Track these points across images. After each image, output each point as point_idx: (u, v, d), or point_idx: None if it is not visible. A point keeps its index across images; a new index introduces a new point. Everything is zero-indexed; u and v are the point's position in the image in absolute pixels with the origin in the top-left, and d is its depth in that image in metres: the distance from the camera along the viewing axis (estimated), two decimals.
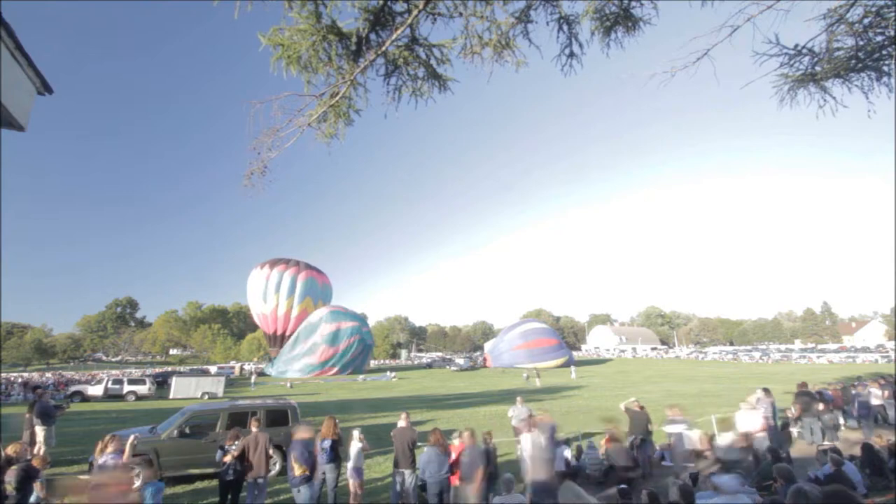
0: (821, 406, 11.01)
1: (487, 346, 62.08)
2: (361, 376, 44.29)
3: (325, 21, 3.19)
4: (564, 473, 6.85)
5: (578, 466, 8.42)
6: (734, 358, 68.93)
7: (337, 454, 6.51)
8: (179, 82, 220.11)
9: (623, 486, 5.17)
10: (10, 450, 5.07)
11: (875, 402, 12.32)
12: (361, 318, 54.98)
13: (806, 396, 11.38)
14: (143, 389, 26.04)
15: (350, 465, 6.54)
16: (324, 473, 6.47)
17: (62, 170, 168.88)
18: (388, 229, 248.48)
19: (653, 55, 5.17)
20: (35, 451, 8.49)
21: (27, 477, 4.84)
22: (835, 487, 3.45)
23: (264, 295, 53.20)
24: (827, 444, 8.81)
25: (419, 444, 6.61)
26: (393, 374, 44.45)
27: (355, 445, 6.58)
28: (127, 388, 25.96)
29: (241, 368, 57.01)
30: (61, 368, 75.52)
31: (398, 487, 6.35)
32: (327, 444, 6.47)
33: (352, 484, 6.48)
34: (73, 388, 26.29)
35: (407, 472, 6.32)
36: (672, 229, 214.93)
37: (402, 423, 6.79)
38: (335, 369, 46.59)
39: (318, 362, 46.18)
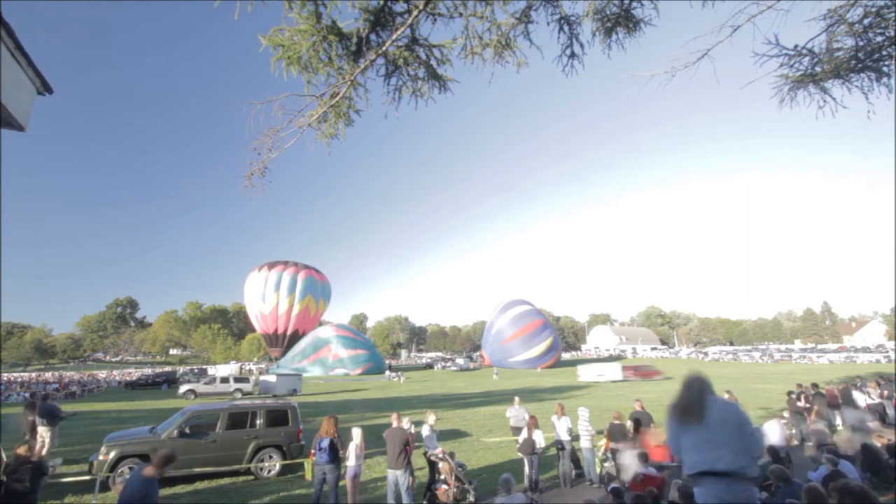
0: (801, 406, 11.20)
1: (483, 342, 62.49)
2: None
3: (326, 21, 3.18)
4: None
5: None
6: (734, 358, 68.90)
7: (336, 454, 6.51)
8: (179, 83, 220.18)
9: (615, 486, 5.17)
10: (21, 450, 5.23)
11: (861, 405, 12.53)
12: (370, 344, 56.03)
13: (792, 397, 11.55)
14: (247, 387, 28.62)
15: (349, 464, 6.53)
16: (324, 473, 6.47)
17: (62, 170, 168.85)
18: (388, 230, 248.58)
19: (653, 55, 5.18)
20: (38, 449, 8.49)
21: (39, 474, 5.09)
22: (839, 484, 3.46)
23: (263, 295, 53.45)
24: (830, 443, 8.82)
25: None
26: (395, 374, 44.54)
27: (353, 445, 6.58)
28: (234, 385, 28.38)
29: (242, 368, 57.03)
30: (61, 368, 75.50)
31: (393, 487, 6.35)
32: (326, 443, 6.47)
33: (349, 483, 6.47)
34: (185, 388, 27.64)
35: (399, 472, 6.32)
36: (672, 229, 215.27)
37: (394, 424, 6.79)
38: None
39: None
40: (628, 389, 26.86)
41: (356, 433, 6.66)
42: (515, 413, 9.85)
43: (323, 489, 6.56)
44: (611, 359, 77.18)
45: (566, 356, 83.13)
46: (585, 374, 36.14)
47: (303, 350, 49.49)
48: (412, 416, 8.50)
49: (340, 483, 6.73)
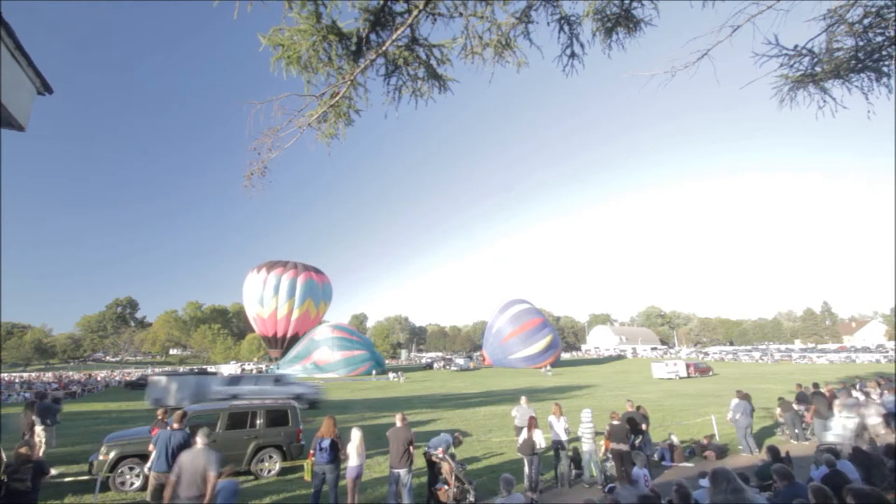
0: (796, 406, 11.23)
1: (484, 342, 62.48)
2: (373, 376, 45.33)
3: (326, 21, 3.18)
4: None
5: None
6: (734, 358, 68.93)
7: (336, 454, 6.51)
8: (179, 83, 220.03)
9: (613, 485, 5.17)
10: (23, 449, 5.26)
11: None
12: (368, 343, 55.64)
13: (785, 398, 11.61)
14: None
15: (349, 465, 6.52)
16: (323, 473, 6.47)
17: (62, 170, 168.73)
18: (388, 229, 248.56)
19: (653, 55, 5.18)
20: (36, 448, 8.49)
21: (40, 473, 5.12)
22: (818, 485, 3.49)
23: (261, 299, 52.77)
24: (829, 443, 8.84)
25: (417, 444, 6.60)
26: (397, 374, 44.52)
27: (353, 445, 6.56)
28: None
29: (243, 368, 57.03)
30: (61, 368, 75.51)
31: (394, 487, 6.34)
32: (326, 443, 6.47)
33: (349, 484, 6.46)
34: None
35: (402, 471, 6.32)
36: (672, 229, 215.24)
37: (398, 423, 6.79)
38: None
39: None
40: (628, 389, 26.86)
41: (355, 434, 6.64)
42: (521, 413, 9.84)
43: (322, 489, 6.56)
44: (610, 359, 77.33)
45: (566, 356, 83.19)
46: (658, 371, 38.08)
47: (298, 353, 49.33)
48: (412, 417, 8.48)
49: (340, 483, 6.73)
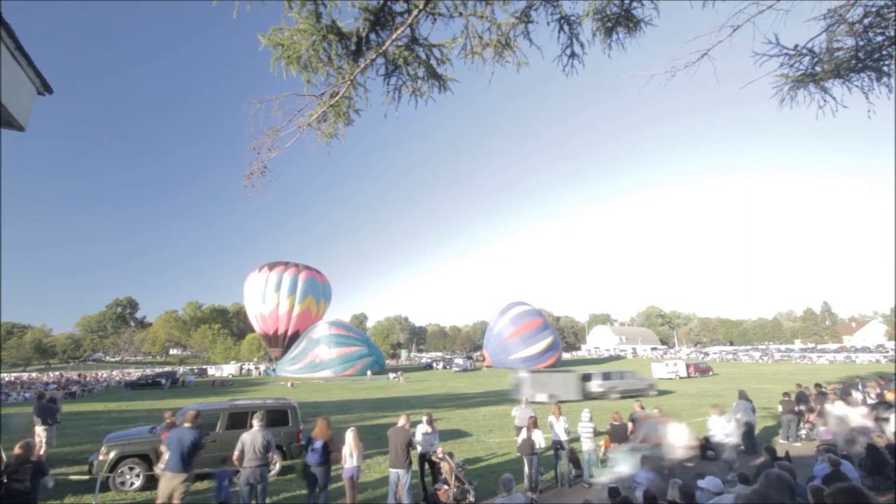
0: (797, 407, 11.23)
1: (485, 343, 62.52)
2: (368, 376, 45.12)
3: (325, 21, 3.18)
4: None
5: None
6: (734, 358, 68.94)
7: (328, 456, 6.47)
8: (179, 83, 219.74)
9: (613, 485, 5.18)
10: (18, 449, 5.24)
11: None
12: (367, 340, 55.55)
13: (787, 398, 11.58)
14: None
15: (345, 465, 6.49)
16: (315, 475, 6.43)
17: (62, 170, 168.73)
18: (388, 229, 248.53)
19: (653, 55, 5.18)
20: (36, 449, 8.49)
21: (39, 473, 5.11)
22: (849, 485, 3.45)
23: (263, 296, 53.30)
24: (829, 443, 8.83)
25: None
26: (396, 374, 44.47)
27: (346, 447, 6.53)
28: None
29: (242, 368, 57.10)
30: (61, 368, 75.53)
31: (394, 487, 6.33)
32: (318, 444, 6.43)
33: (346, 484, 6.44)
34: None
35: (401, 471, 6.31)
36: (672, 229, 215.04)
37: (400, 423, 6.78)
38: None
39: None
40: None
41: (348, 436, 6.61)
42: (521, 413, 9.86)
43: (317, 490, 6.53)
44: (610, 359, 77.37)
45: (566, 356, 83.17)
46: (658, 371, 37.85)
47: (297, 352, 49.31)
48: (412, 417, 8.49)
49: (338, 484, 6.71)
